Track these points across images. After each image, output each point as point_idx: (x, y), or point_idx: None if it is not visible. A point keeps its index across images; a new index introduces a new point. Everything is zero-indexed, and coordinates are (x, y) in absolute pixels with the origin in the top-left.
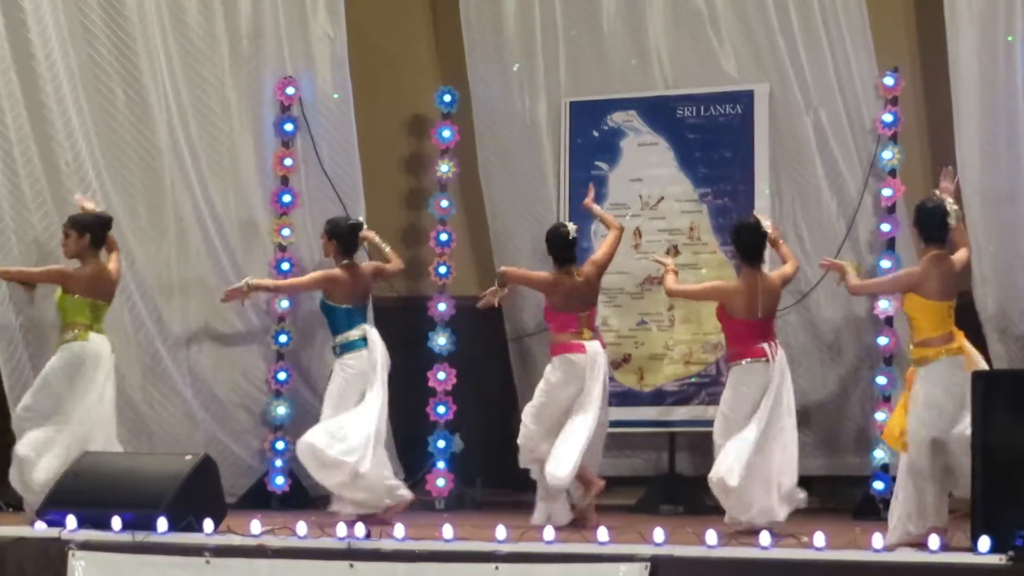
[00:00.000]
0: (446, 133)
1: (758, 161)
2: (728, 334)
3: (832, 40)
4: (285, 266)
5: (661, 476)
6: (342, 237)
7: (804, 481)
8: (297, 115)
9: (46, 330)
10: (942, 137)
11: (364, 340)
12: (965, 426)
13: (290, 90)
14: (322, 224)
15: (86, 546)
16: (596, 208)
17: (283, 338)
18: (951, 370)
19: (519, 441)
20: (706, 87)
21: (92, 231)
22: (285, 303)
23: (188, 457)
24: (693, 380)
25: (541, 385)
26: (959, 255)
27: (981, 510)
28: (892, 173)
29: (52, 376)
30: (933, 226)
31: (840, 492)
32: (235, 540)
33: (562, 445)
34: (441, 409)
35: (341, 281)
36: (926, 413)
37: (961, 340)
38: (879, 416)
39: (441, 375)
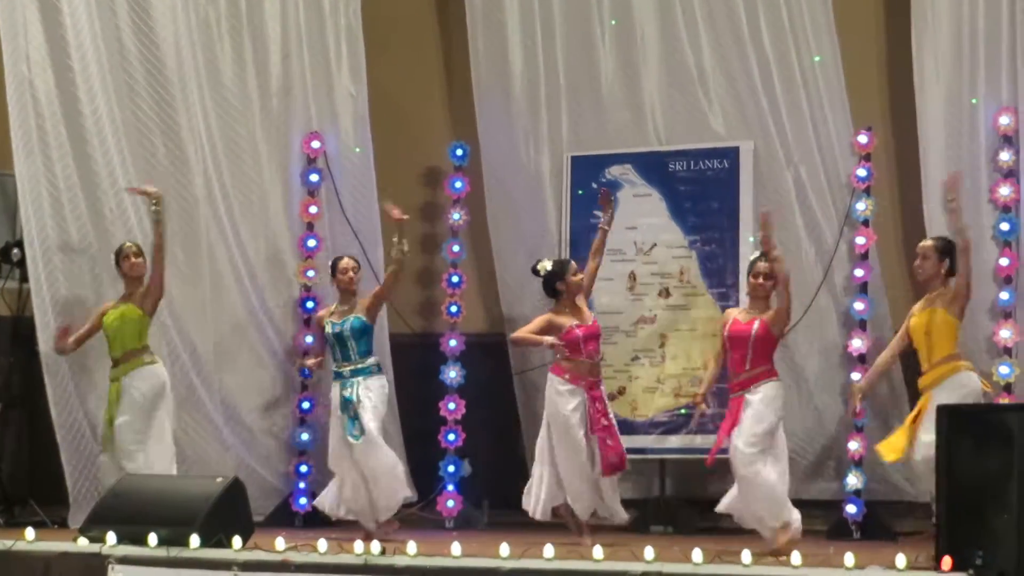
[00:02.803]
0: (458, 184)
1: (743, 211)
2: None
3: (811, 101)
4: (310, 304)
5: (652, 499)
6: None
7: None
8: (322, 166)
9: (89, 359)
10: (911, 191)
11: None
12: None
13: (316, 144)
14: None
15: (124, 560)
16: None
17: (308, 371)
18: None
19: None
20: (696, 143)
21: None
22: (309, 338)
23: (219, 479)
24: (683, 411)
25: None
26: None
27: (945, 531)
28: (865, 223)
29: (143, 398)
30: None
31: (816, 515)
32: (261, 556)
33: None
34: (451, 436)
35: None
36: None
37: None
38: (852, 445)
39: (452, 405)
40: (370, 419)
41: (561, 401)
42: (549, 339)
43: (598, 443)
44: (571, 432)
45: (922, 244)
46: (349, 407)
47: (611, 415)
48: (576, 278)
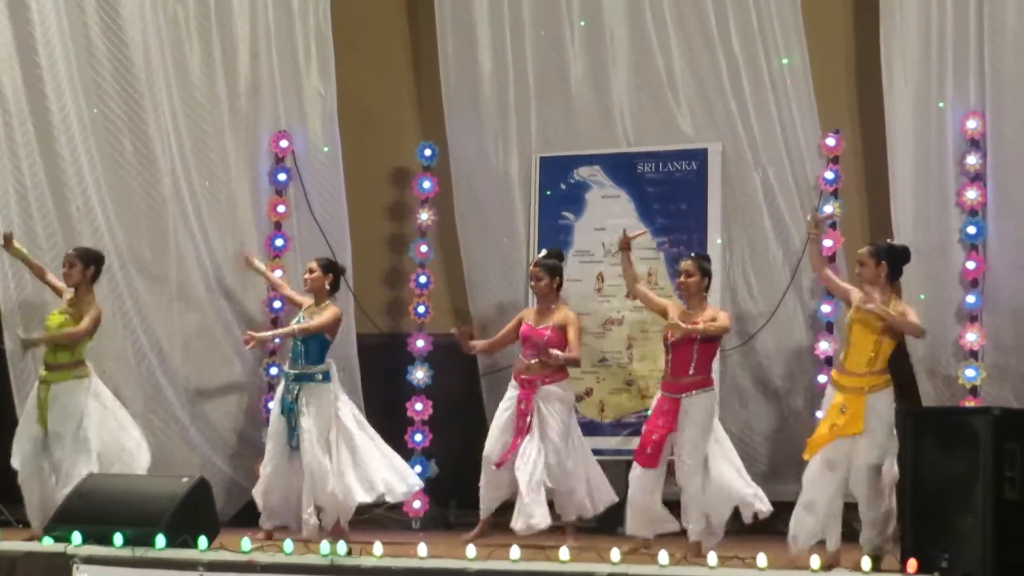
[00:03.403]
0: (426, 184)
1: (711, 213)
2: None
3: (780, 104)
4: (277, 304)
5: (619, 501)
6: (336, 276)
7: None
8: (290, 166)
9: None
10: (878, 193)
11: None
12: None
13: (284, 143)
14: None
15: (90, 560)
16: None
17: (274, 370)
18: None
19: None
20: (664, 145)
21: (96, 265)
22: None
23: (185, 479)
24: (648, 412)
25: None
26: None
27: (910, 535)
28: (833, 226)
29: (79, 409)
30: (896, 264)
31: (781, 517)
32: (227, 556)
33: None
34: (418, 437)
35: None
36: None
37: None
38: None
39: (419, 406)
40: (310, 437)
41: (505, 395)
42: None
43: (511, 442)
44: (496, 425)
45: (859, 251)
46: (291, 415)
47: (539, 424)
48: (531, 284)
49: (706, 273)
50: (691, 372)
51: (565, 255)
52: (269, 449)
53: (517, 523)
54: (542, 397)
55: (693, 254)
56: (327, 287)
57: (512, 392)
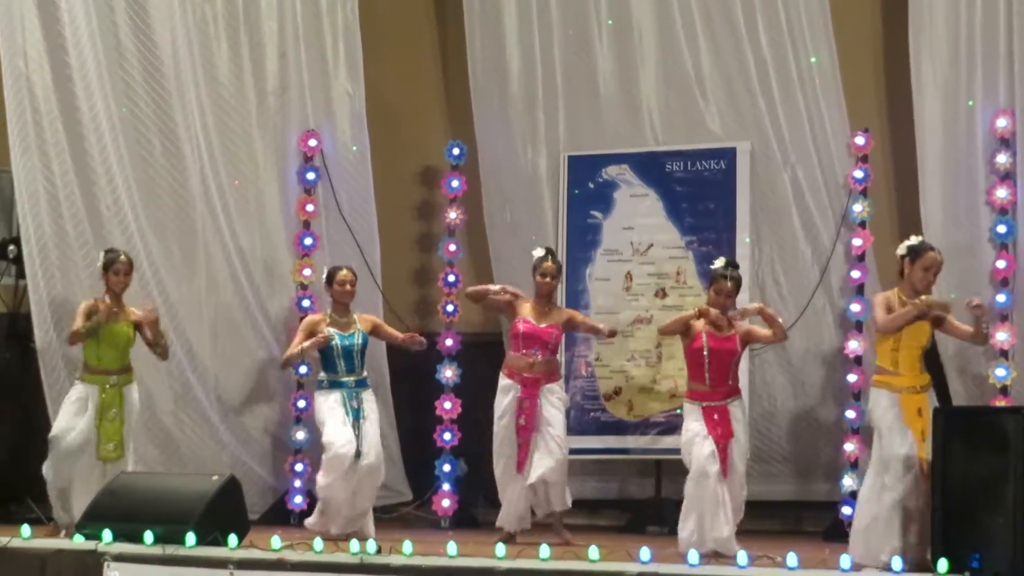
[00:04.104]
0: (455, 183)
1: (740, 212)
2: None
3: (808, 102)
4: (306, 303)
5: (648, 500)
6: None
7: (779, 506)
8: (319, 165)
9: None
10: (908, 192)
11: None
12: None
13: (312, 142)
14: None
15: (120, 558)
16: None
17: (303, 368)
18: None
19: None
20: (693, 144)
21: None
22: None
23: (215, 477)
24: (678, 411)
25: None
26: None
27: (940, 534)
28: (862, 225)
29: (138, 411)
30: None
31: (811, 516)
32: (257, 554)
33: None
34: (447, 435)
35: None
36: None
37: None
38: (848, 447)
39: (448, 404)
40: (376, 442)
41: (498, 397)
42: (493, 287)
43: (519, 446)
44: (499, 427)
45: (938, 258)
46: (357, 423)
47: (537, 419)
48: (546, 280)
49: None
50: (729, 381)
51: (593, 255)
52: (343, 456)
53: (530, 477)
54: (546, 394)
55: (730, 273)
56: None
57: (507, 397)
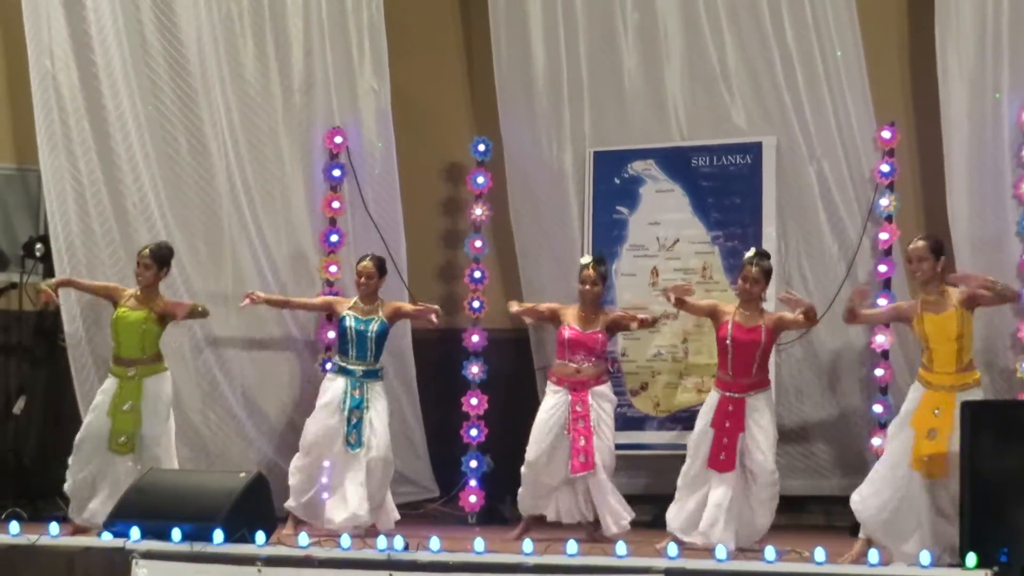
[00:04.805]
0: (480, 179)
1: (766, 207)
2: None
3: (834, 97)
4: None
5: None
6: (385, 275)
7: (807, 500)
8: (344, 162)
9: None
10: (934, 186)
11: None
12: None
13: (338, 139)
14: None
15: (148, 555)
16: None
17: (329, 365)
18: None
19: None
20: (718, 139)
21: (167, 265)
22: (332, 333)
23: (242, 474)
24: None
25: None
26: None
27: (968, 529)
28: (889, 219)
29: (163, 404)
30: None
31: (839, 511)
32: (284, 551)
33: None
34: (474, 432)
35: None
36: None
37: None
38: (875, 441)
39: (474, 400)
40: (382, 433)
41: (545, 400)
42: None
43: (572, 442)
44: (541, 430)
45: (914, 246)
46: (355, 411)
47: (594, 422)
48: (585, 287)
49: (768, 277)
50: (754, 372)
51: (619, 250)
52: (319, 446)
53: (611, 528)
54: (596, 397)
55: (756, 260)
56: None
57: (556, 399)
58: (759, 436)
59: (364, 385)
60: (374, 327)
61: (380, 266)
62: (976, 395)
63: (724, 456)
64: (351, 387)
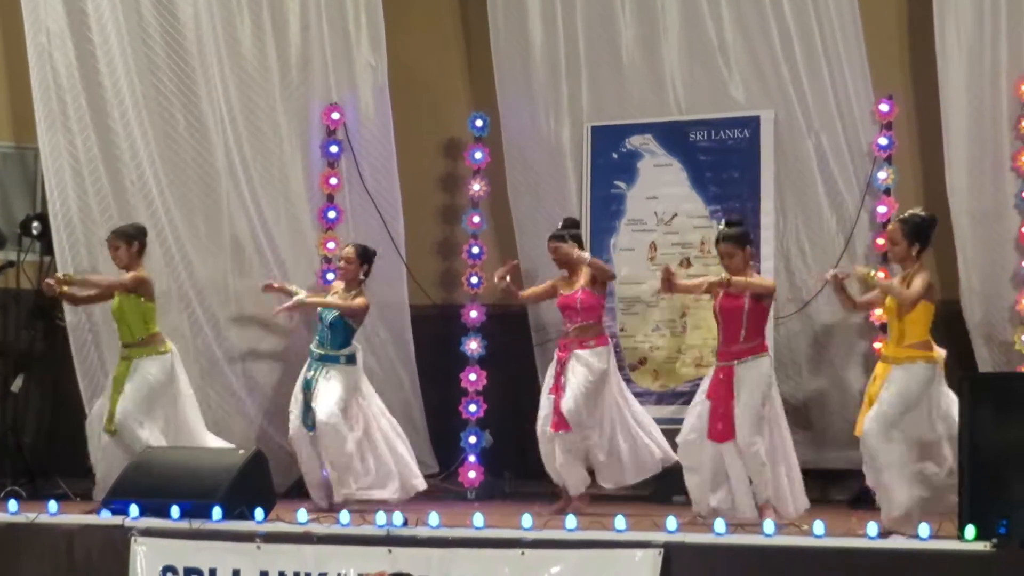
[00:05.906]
0: (478, 155)
1: (764, 181)
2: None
3: (832, 70)
4: (330, 276)
5: (674, 469)
6: (370, 264)
7: (805, 474)
8: (342, 138)
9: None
10: (933, 159)
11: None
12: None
13: (335, 115)
14: (364, 238)
15: (147, 533)
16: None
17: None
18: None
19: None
20: (716, 113)
21: (139, 240)
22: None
23: (241, 451)
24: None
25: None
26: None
27: (967, 501)
28: (887, 192)
29: (147, 384)
30: (928, 236)
31: (838, 484)
32: (283, 527)
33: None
34: (472, 407)
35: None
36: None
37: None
38: None
39: (472, 376)
40: (327, 403)
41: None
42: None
43: (554, 403)
44: (541, 397)
45: (889, 228)
46: (308, 392)
47: (567, 378)
48: (552, 251)
49: (743, 245)
50: (742, 339)
51: (617, 225)
52: (292, 424)
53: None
54: (575, 359)
55: (721, 237)
56: (360, 276)
57: (553, 364)
58: (739, 405)
59: (320, 368)
60: (329, 316)
61: (363, 254)
62: (917, 372)
63: (722, 426)
64: (306, 368)
